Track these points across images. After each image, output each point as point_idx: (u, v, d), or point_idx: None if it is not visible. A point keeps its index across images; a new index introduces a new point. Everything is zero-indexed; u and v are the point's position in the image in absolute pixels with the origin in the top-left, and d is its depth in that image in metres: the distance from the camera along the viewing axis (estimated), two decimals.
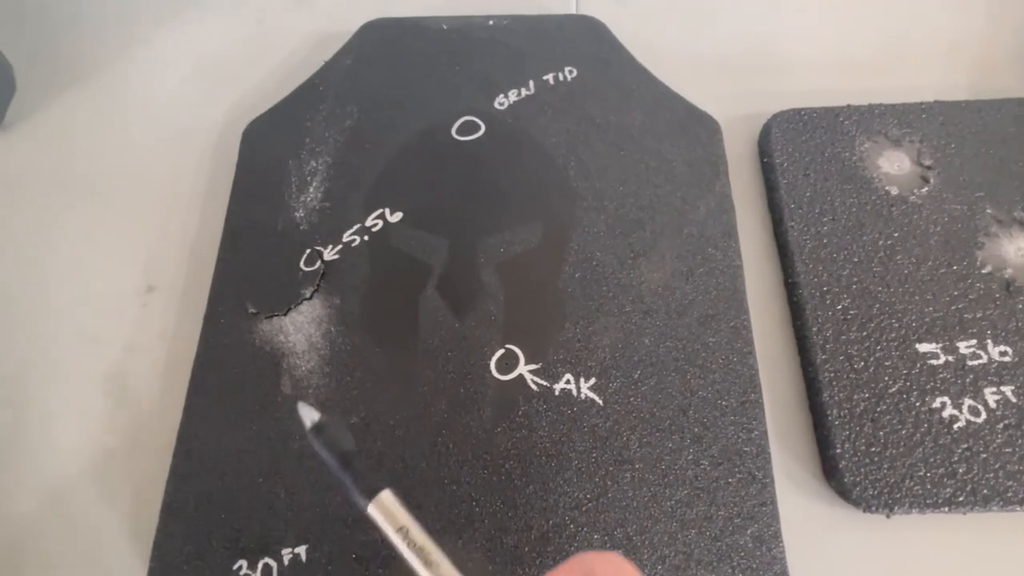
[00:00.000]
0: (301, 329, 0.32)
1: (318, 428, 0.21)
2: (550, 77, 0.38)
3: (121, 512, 0.30)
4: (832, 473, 0.29)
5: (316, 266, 0.33)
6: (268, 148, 0.37)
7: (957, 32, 0.41)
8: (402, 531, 0.19)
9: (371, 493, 0.19)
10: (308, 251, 0.34)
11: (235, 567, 0.27)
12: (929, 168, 0.35)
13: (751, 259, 0.34)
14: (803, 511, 0.29)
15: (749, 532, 0.27)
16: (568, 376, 0.30)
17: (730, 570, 0.27)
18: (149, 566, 0.27)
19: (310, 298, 0.32)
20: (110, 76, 0.42)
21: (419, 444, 0.29)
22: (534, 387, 0.30)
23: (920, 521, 0.28)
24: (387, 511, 0.19)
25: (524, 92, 0.37)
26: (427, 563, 0.18)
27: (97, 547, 0.29)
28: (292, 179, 0.36)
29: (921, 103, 0.37)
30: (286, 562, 0.27)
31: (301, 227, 0.34)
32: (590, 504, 0.28)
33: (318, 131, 0.37)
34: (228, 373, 0.31)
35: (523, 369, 0.30)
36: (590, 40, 0.39)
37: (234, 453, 0.29)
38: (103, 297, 0.35)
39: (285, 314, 0.32)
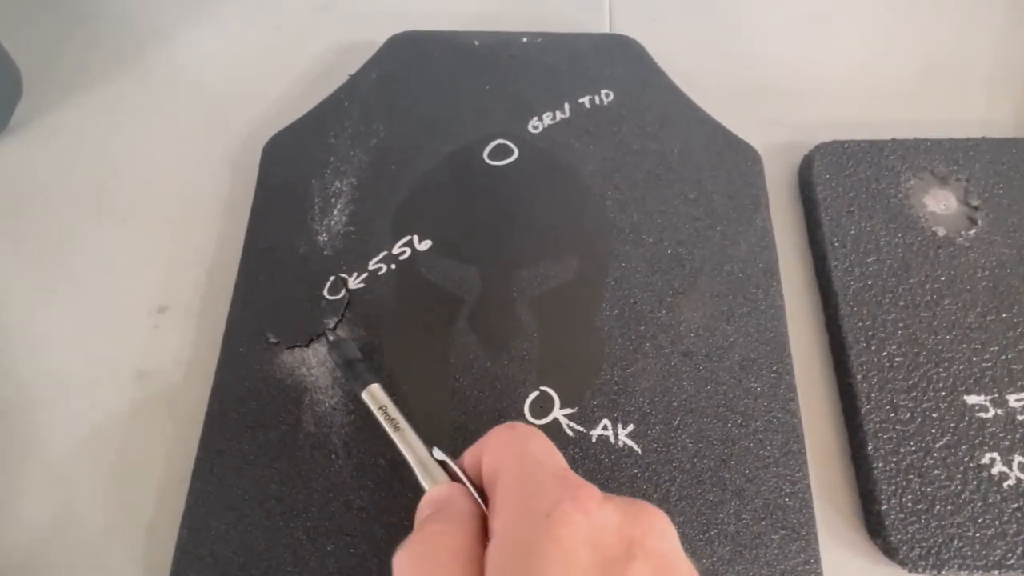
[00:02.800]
0: (324, 362, 0.30)
1: (334, 343, 0.30)
2: (586, 100, 0.36)
3: (133, 553, 0.28)
4: (877, 530, 0.28)
5: (341, 295, 0.32)
6: (290, 165, 0.35)
7: (1005, 65, 0.40)
8: (382, 409, 0.26)
9: (365, 385, 0.27)
10: (332, 278, 0.32)
11: None
12: (976, 209, 0.34)
13: (790, 299, 0.33)
14: (846, 570, 0.28)
15: None
16: (605, 422, 0.29)
17: None
18: None
19: (334, 329, 0.31)
20: (121, 84, 0.40)
21: None
22: (570, 432, 0.29)
23: None
24: (373, 396, 0.27)
25: (559, 115, 0.36)
26: (395, 428, 0.25)
27: None
28: (315, 200, 0.34)
29: (968, 139, 0.35)
30: None
31: (325, 252, 0.33)
32: None
33: (343, 149, 0.35)
34: (247, 407, 0.29)
35: (558, 413, 0.29)
36: (627, 62, 0.38)
37: (253, 493, 0.28)
38: (112, 314, 0.33)
39: (307, 345, 0.31)
